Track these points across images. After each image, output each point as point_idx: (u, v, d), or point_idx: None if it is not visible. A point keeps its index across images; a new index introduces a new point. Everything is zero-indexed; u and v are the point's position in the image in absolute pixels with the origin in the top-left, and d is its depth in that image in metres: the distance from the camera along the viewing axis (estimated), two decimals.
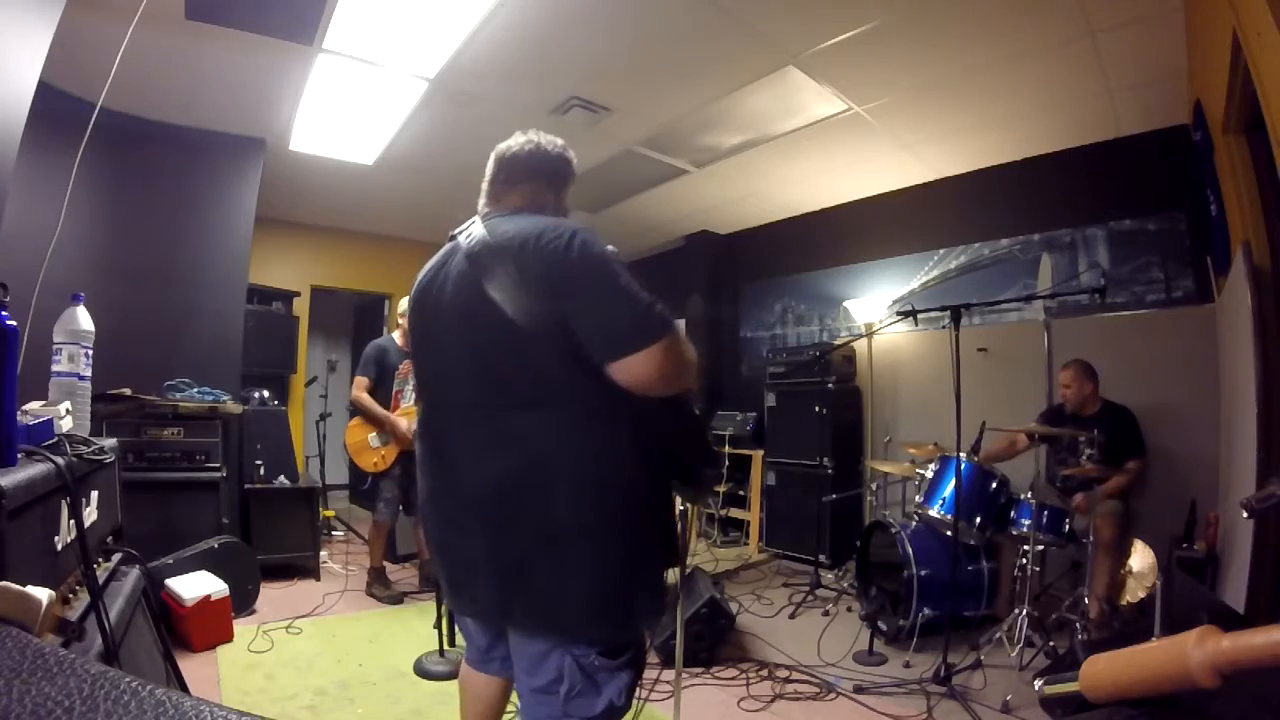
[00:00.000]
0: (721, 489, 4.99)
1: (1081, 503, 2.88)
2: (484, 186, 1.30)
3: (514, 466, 1.05)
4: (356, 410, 3.35)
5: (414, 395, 3.39)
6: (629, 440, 1.06)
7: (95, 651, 1.04)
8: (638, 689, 1.24)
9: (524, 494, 1.04)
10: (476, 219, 1.22)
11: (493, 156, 1.29)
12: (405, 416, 3.32)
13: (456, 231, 1.23)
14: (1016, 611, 2.67)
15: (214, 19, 2.74)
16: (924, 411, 4.26)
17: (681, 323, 6.03)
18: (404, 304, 3.42)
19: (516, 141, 1.28)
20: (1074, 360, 3.17)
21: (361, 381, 3.33)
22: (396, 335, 3.46)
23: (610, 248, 1.53)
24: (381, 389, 3.35)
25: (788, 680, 2.51)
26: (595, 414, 1.04)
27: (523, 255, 1.04)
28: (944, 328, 3.21)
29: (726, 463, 4.91)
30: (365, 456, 3.31)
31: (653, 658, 2.61)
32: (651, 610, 1.11)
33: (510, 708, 1.51)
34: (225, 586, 2.67)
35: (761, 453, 4.83)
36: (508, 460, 1.05)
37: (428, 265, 1.29)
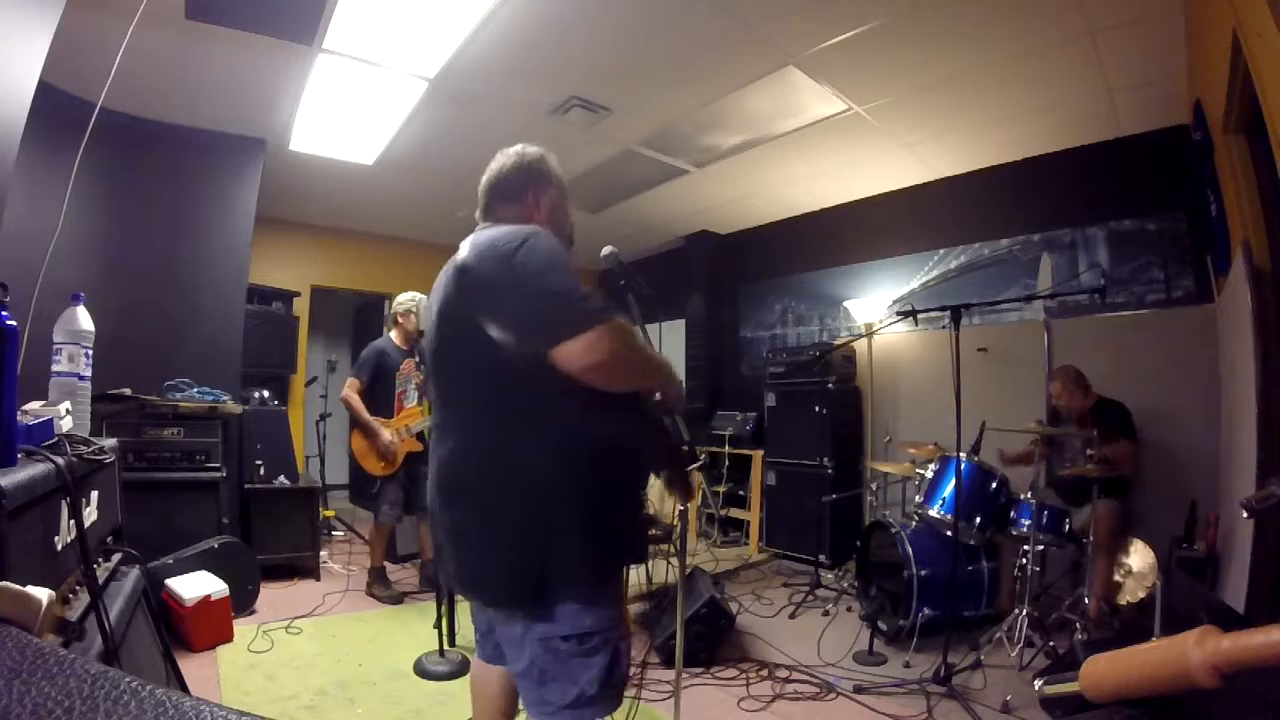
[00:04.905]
0: (721, 489, 4.99)
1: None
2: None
3: (456, 456, 1.20)
4: (346, 409, 3.34)
5: (417, 395, 3.41)
6: (554, 438, 1.15)
7: (95, 651, 1.04)
8: (629, 688, 1.25)
9: (464, 480, 1.19)
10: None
11: (483, 179, 1.39)
12: (398, 424, 3.32)
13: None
14: (1016, 611, 2.67)
15: (214, 19, 2.74)
16: (924, 411, 4.26)
17: (681, 323, 6.05)
18: (401, 301, 3.43)
19: (497, 160, 1.38)
20: (1060, 368, 3.14)
21: (353, 383, 3.32)
22: (394, 335, 3.45)
23: (608, 248, 1.56)
24: (380, 391, 3.34)
25: (788, 680, 2.51)
26: (518, 417, 1.15)
27: (477, 264, 1.15)
28: (944, 328, 3.21)
29: (701, 458, 4.91)
30: (371, 460, 3.29)
31: (653, 657, 2.61)
32: (575, 591, 1.13)
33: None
34: (225, 586, 2.67)
35: (761, 453, 4.83)
36: (452, 450, 1.21)
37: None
